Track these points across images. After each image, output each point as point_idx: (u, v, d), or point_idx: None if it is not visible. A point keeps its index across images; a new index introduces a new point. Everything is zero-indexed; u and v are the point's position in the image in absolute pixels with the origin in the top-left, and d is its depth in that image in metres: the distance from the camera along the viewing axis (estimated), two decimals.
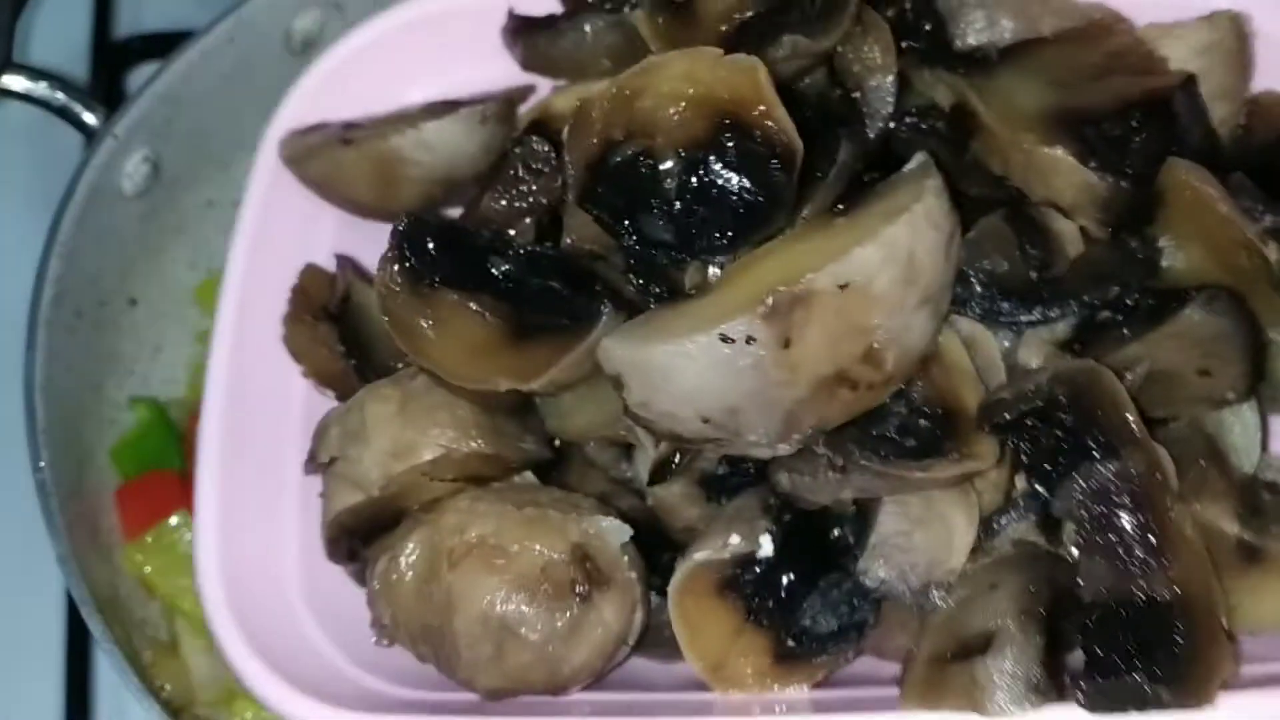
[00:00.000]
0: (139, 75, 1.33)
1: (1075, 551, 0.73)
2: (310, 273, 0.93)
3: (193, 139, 1.12)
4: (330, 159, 0.91)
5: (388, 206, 0.91)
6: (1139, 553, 0.72)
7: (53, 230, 1.04)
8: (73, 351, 1.06)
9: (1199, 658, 0.70)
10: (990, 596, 0.72)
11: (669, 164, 0.74)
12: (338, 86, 0.96)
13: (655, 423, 0.75)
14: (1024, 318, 0.79)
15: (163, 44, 1.31)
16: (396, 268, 0.78)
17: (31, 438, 0.99)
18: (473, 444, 0.79)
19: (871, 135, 0.82)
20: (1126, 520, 0.72)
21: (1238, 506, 0.76)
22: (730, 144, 0.72)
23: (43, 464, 0.98)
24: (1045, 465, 0.75)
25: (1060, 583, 0.73)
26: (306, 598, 0.86)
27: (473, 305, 0.77)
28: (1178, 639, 0.70)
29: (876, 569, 0.77)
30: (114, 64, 1.35)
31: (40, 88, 1.10)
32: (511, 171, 0.84)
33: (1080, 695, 0.71)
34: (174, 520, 1.05)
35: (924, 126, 0.83)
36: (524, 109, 0.94)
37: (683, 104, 0.73)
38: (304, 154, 0.93)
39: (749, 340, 0.70)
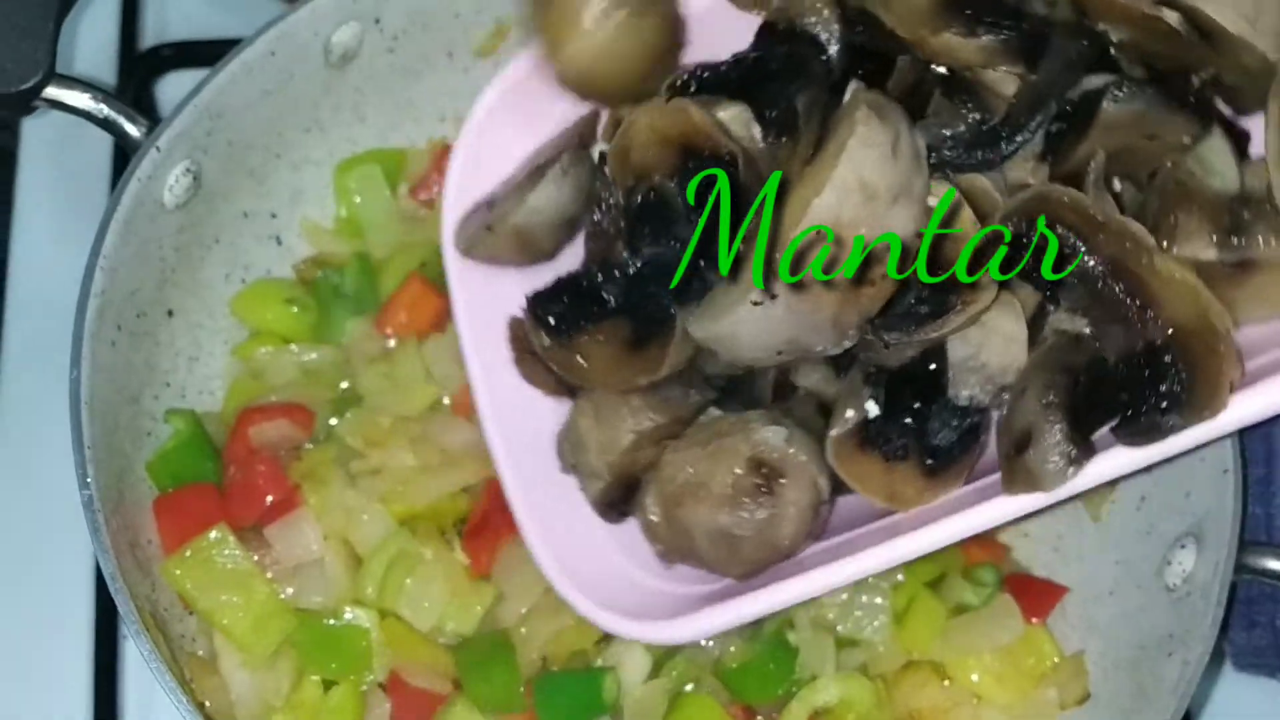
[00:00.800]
0: (167, 84, 1.33)
1: (1087, 330, 0.91)
2: (514, 323, 1.22)
3: (232, 150, 1.12)
4: (485, 244, 1.18)
5: (538, 258, 1.18)
6: (1133, 312, 0.88)
7: (97, 243, 1.02)
8: (113, 365, 1.03)
9: (1204, 378, 0.86)
10: (1023, 400, 0.91)
11: (671, 187, 0.97)
12: (466, 174, 1.23)
13: (749, 364, 0.99)
14: (996, 156, 0.95)
15: (190, 53, 1.32)
16: (542, 333, 1.05)
17: (79, 454, 0.96)
18: (649, 421, 1.07)
19: (832, 65, 0.99)
20: (1116, 290, 0.88)
21: (1215, 233, 0.90)
22: (696, 166, 0.94)
23: (90, 480, 0.96)
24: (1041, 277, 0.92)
25: (1077, 370, 0.91)
26: (615, 545, 1.17)
27: (600, 338, 1.04)
28: (1182, 370, 0.86)
29: (961, 390, 0.98)
30: (142, 74, 1.34)
31: (85, 99, 1.07)
32: (593, 214, 1.09)
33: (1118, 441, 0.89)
34: (213, 534, 1.01)
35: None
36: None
37: (657, 147, 0.96)
38: (469, 244, 1.21)
39: (773, 297, 0.92)
